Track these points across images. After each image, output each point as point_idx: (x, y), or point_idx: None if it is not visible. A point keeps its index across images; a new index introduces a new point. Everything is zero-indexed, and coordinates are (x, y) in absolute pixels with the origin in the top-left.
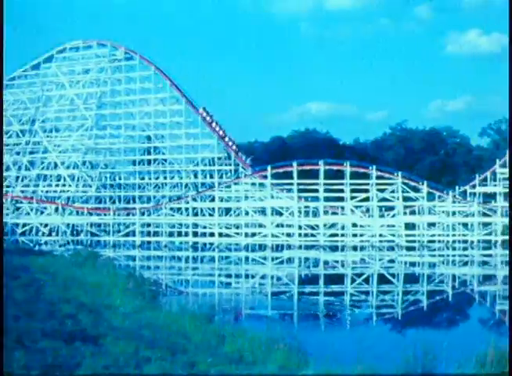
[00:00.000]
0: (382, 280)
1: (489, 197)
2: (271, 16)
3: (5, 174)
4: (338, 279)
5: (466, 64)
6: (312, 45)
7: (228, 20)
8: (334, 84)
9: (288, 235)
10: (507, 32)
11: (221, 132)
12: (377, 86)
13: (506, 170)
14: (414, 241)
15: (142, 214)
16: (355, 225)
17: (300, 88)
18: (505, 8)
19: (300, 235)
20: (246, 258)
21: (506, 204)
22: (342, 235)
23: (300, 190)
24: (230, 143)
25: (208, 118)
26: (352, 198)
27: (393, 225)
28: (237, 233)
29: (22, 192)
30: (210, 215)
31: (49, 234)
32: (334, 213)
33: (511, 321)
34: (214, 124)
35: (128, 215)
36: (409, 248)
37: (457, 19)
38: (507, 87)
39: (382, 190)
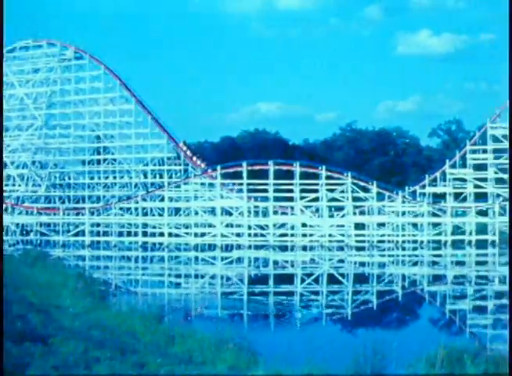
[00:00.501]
0: (332, 279)
1: (439, 198)
2: (222, 15)
3: None
4: (288, 279)
5: (417, 65)
6: (262, 45)
7: (179, 19)
8: (284, 84)
9: (238, 235)
10: (458, 32)
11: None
12: (327, 87)
13: (456, 170)
14: (364, 241)
15: (92, 214)
16: (304, 225)
17: (250, 88)
18: (455, 8)
19: (249, 235)
20: (196, 258)
21: (456, 205)
22: (292, 235)
23: (249, 190)
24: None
25: (189, 152)
26: (302, 198)
27: (342, 226)
28: (187, 233)
29: None
30: (159, 214)
31: None
32: (284, 213)
33: (511, 321)
34: (194, 159)
35: (77, 214)
36: (358, 248)
37: (408, 20)
38: (457, 88)
39: (332, 190)
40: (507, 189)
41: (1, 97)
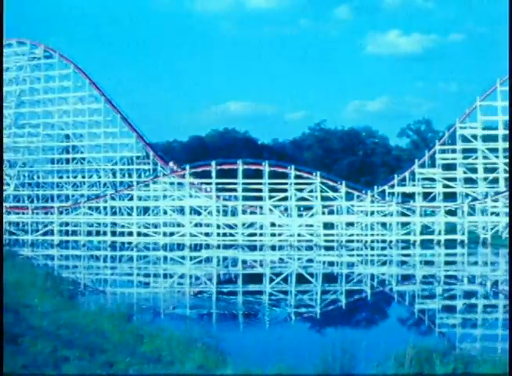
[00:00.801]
0: (300, 279)
1: (408, 197)
2: (191, 14)
3: None
4: (257, 278)
5: (386, 65)
6: (232, 45)
7: (148, 18)
8: (254, 84)
9: (206, 234)
10: (427, 32)
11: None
12: (297, 86)
13: (425, 170)
14: (332, 241)
15: (61, 213)
16: (273, 224)
17: (219, 88)
18: (425, 8)
19: (218, 234)
20: (165, 258)
21: (425, 204)
22: (261, 234)
23: (218, 190)
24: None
25: (179, 170)
26: (271, 198)
27: (311, 225)
28: (155, 233)
29: None
30: (128, 214)
31: None
32: (253, 212)
33: (511, 321)
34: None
35: (46, 213)
36: (327, 248)
37: (377, 20)
38: (426, 87)
39: (300, 190)
40: (476, 189)
41: (1, 97)
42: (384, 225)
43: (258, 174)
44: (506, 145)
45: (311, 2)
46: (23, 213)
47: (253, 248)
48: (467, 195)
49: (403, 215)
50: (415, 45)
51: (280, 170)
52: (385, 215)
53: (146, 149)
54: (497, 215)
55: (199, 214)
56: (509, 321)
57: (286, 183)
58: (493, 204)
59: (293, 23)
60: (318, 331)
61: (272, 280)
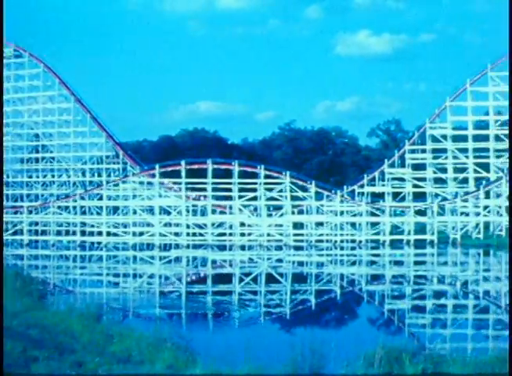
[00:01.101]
0: (270, 279)
1: (377, 197)
2: (161, 14)
3: None
4: (226, 278)
5: (356, 65)
6: (202, 45)
7: (117, 18)
8: (223, 83)
9: (176, 234)
10: (397, 32)
11: None
12: (266, 86)
13: (395, 170)
14: (302, 241)
15: (30, 212)
16: (243, 224)
17: (189, 88)
18: (395, 8)
19: (188, 234)
20: (134, 258)
21: (394, 204)
22: (230, 234)
23: (188, 189)
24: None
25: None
26: (240, 197)
27: (281, 225)
28: (125, 232)
29: None
30: (98, 213)
31: None
32: (222, 212)
33: (511, 321)
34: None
35: (15, 213)
36: (297, 248)
37: (347, 20)
38: (396, 88)
39: (270, 190)
40: (446, 189)
41: (1, 97)
42: (353, 225)
43: (228, 174)
44: (476, 145)
45: (281, 2)
46: None
47: (222, 248)
48: (437, 195)
49: (373, 214)
50: (385, 45)
51: (250, 170)
52: (355, 215)
53: (116, 148)
54: (467, 215)
55: (168, 213)
56: (509, 321)
57: (255, 183)
58: (463, 204)
59: (263, 23)
60: (287, 331)
61: (241, 280)
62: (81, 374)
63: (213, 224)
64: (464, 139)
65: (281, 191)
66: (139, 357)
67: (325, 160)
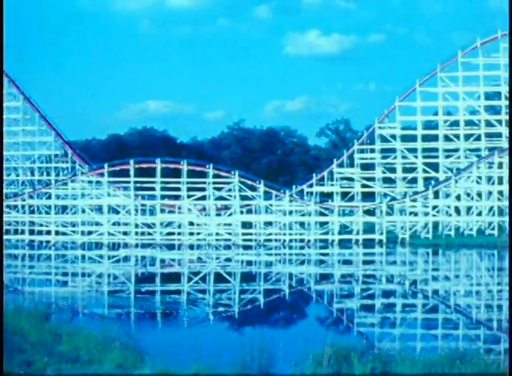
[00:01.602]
0: (219, 278)
1: (326, 197)
2: (110, 12)
3: None
4: (175, 277)
5: (305, 64)
6: (151, 43)
7: (67, 16)
8: (173, 83)
9: (125, 233)
10: (347, 33)
11: None
12: (215, 86)
13: (343, 169)
14: (251, 240)
15: None
16: (191, 223)
17: (138, 86)
18: (345, 9)
19: (136, 233)
20: (83, 257)
21: (343, 204)
22: (179, 233)
23: (137, 188)
24: None
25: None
26: (189, 197)
27: (230, 224)
28: (74, 231)
29: None
30: (46, 212)
31: None
32: (171, 211)
33: (511, 321)
34: None
35: None
36: (245, 247)
37: (297, 20)
38: (345, 87)
39: (219, 189)
40: (395, 189)
41: (1, 97)
42: (302, 224)
43: (177, 173)
44: (425, 145)
45: (230, 2)
46: None
47: (171, 247)
48: (386, 195)
49: (321, 214)
50: (334, 45)
51: (199, 169)
52: (303, 215)
53: (65, 147)
54: (416, 214)
55: (117, 213)
56: (509, 321)
57: (204, 182)
58: (412, 203)
59: (212, 23)
60: (236, 331)
61: (190, 280)
62: (82, 374)
63: (162, 223)
64: (413, 138)
65: (230, 190)
66: (88, 357)
67: (274, 160)
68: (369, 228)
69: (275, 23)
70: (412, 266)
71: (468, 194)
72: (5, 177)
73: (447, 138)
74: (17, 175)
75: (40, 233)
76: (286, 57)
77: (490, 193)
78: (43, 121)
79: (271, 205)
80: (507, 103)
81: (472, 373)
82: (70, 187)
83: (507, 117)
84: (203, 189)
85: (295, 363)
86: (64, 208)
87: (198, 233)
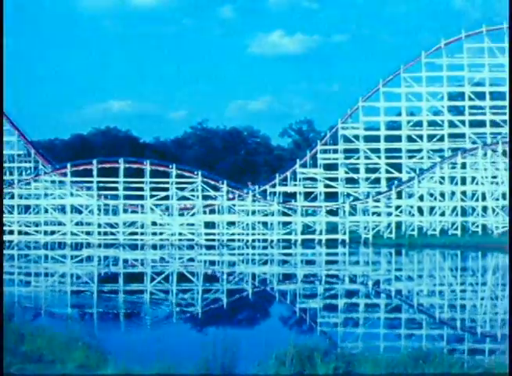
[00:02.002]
0: (182, 278)
1: (289, 197)
2: (73, 11)
3: None
4: (138, 277)
5: (269, 64)
6: (114, 43)
7: (31, 15)
8: (136, 82)
9: (87, 233)
10: (310, 33)
11: None
12: (179, 85)
13: (307, 170)
14: (214, 240)
15: None
16: (154, 223)
17: (101, 86)
18: (308, 9)
19: (99, 233)
20: (46, 257)
21: (306, 204)
22: (142, 233)
23: (99, 188)
24: None
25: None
26: (152, 196)
27: (192, 224)
28: (37, 231)
29: None
30: (9, 212)
31: None
32: (134, 211)
33: (511, 322)
34: None
35: None
36: (208, 247)
37: (260, 20)
38: (309, 88)
39: (182, 189)
40: (358, 189)
41: (1, 96)
42: (265, 224)
43: (140, 173)
44: (388, 145)
45: (195, 1)
46: None
47: (134, 247)
48: (349, 195)
49: (284, 214)
50: (298, 45)
51: (162, 169)
52: (266, 215)
53: (28, 147)
54: (378, 215)
55: (80, 212)
56: (509, 321)
57: (167, 182)
58: (375, 204)
59: (176, 22)
60: (199, 330)
61: (153, 279)
62: (108, 374)
63: (124, 223)
64: (376, 139)
65: (193, 190)
66: (51, 356)
67: (237, 160)
68: (332, 228)
69: (239, 23)
70: (375, 266)
71: (431, 194)
72: None
73: (410, 138)
74: None
75: (2, 232)
76: (250, 57)
77: (453, 193)
78: (6, 120)
79: (234, 205)
80: (470, 103)
81: (472, 373)
82: (33, 187)
83: (470, 118)
84: (166, 189)
85: (258, 363)
86: (27, 208)
87: (161, 233)
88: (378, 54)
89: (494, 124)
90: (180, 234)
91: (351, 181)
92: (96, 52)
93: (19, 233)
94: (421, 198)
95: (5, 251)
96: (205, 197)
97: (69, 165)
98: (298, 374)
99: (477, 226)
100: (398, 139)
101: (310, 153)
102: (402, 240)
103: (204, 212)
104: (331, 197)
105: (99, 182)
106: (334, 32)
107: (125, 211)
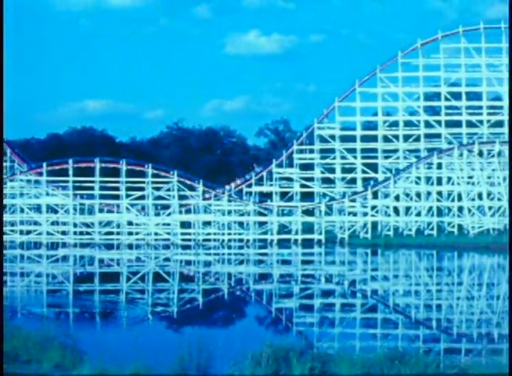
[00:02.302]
0: (158, 278)
1: (265, 197)
2: (49, 10)
3: None
4: (114, 277)
5: (245, 64)
6: (91, 42)
7: (7, 13)
8: (112, 82)
9: (63, 233)
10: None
11: None
12: (155, 85)
13: (283, 170)
14: (190, 240)
15: None
16: (130, 223)
17: (77, 85)
18: (285, 9)
19: (75, 233)
20: (22, 256)
21: (282, 204)
22: (118, 233)
23: (75, 188)
24: None
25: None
26: (128, 196)
27: (168, 224)
28: (12, 231)
29: None
30: None
31: None
32: (110, 211)
33: (511, 322)
34: None
35: None
36: (184, 247)
37: (237, 20)
38: (285, 88)
39: (158, 189)
40: (334, 189)
41: (1, 96)
42: (241, 224)
43: (116, 172)
44: (364, 145)
45: (171, 1)
46: None
47: (110, 247)
48: (325, 195)
49: (260, 214)
50: (274, 45)
51: (138, 168)
52: (242, 215)
53: (4, 146)
54: (354, 215)
55: (56, 212)
56: (509, 322)
57: (143, 182)
58: (351, 204)
59: (153, 22)
60: (175, 330)
61: (129, 279)
62: (84, 374)
63: (100, 223)
64: (352, 139)
65: (169, 190)
66: (27, 356)
67: (213, 160)
68: (308, 228)
69: (216, 22)
70: (351, 266)
71: (407, 195)
72: None
73: (386, 138)
74: None
75: None
76: (226, 57)
77: (429, 193)
78: None
79: (210, 205)
80: (447, 103)
81: (473, 373)
82: (8, 186)
83: (446, 118)
84: (142, 189)
85: (234, 363)
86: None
87: (137, 233)
88: (354, 54)
89: (470, 124)
90: (156, 234)
91: (327, 181)
92: (73, 52)
93: None
94: (397, 198)
95: None
96: (181, 197)
97: (45, 165)
98: (274, 374)
99: (453, 226)
100: (374, 139)
101: (286, 153)
102: (378, 240)
103: (180, 212)
104: (307, 196)
105: (74, 181)
106: (310, 32)
107: (101, 210)
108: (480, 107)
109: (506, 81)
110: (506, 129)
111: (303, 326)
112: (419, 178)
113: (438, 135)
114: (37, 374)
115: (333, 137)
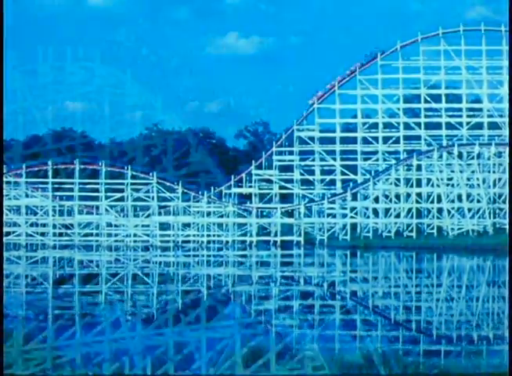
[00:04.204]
0: (137, 280)
1: (245, 198)
2: (27, 10)
3: None
4: (93, 279)
5: (225, 66)
6: (69, 43)
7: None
8: (91, 83)
9: (42, 234)
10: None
11: None
12: (134, 86)
13: (262, 171)
14: (169, 241)
15: None
16: (109, 224)
17: (56, 87)
18: (265, 11)
19: (54, 234)
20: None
21: (261, 205)
22: (97, 235)
23: (55, 189)
24: None
25: None
26: (107, 198)
27: (148, 225)
28: None
29: None
30: None
31: None
32: (89, 212)
33: (511, 322)
34: None
35: None
36: (163, 248)
37: (217, 22)
38: (264, 89)
39: (137, 190)
40: (313, 191)
41: (1, 96)
42: (220, 226)
43: (95, 174)
44: (343, 147)
45: (151, 2)
46: None
47: (89, 249)
48: (304, 196)
49: (240, 215)
50: (254, 47)
51: (117, 170)
52: (222, 216)
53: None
54: (334, 216)
55: (35, 213)
56: (509, 322)
57: (122, 183)
58: (330, 205)
59: (132, 23)
60: (154, 332)
61: (108, 281)
62: (87, 374)
63: (80, 224)
64: (332, 141)
65: (148, 192)
66: (5, 359)
67: (192, 161)
68: (288, 230)
69: (195, 24)
70: (330, 268)
71: (386, 196)
72: None
73: (365, 140)
74: None
75: None
76: (206, 58)
77: (408, 195)
78: None
79: (189, 207)
80: (426, 105)
81: (473, 373)
82: None
83: (426, 120)
84: (122, 191)
85: (213, 364)
86: None
87: (116, 235)
88: (334, 56)
89: (449, 126)
90: (135, 235)
91: (306, 183)
92: (51, 52)
93: None
94: (376, 200)
95: None
96: (160, 199)
97: (24, 166)
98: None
99: (433, 228)
100: (353, 140)
101: (265, 154)
102: (357, 242)
103: (159, 213)
104: (286, 198)
105: (54, 183)
106: (290, 34)
107: (80, 212)
108: (459, 109)
109: (486, 83)
110: (485, 131)
111: (282, 327)
112: (398, 179)
113: (418, 137)
114: (37, 374)
115: (312, 139)
